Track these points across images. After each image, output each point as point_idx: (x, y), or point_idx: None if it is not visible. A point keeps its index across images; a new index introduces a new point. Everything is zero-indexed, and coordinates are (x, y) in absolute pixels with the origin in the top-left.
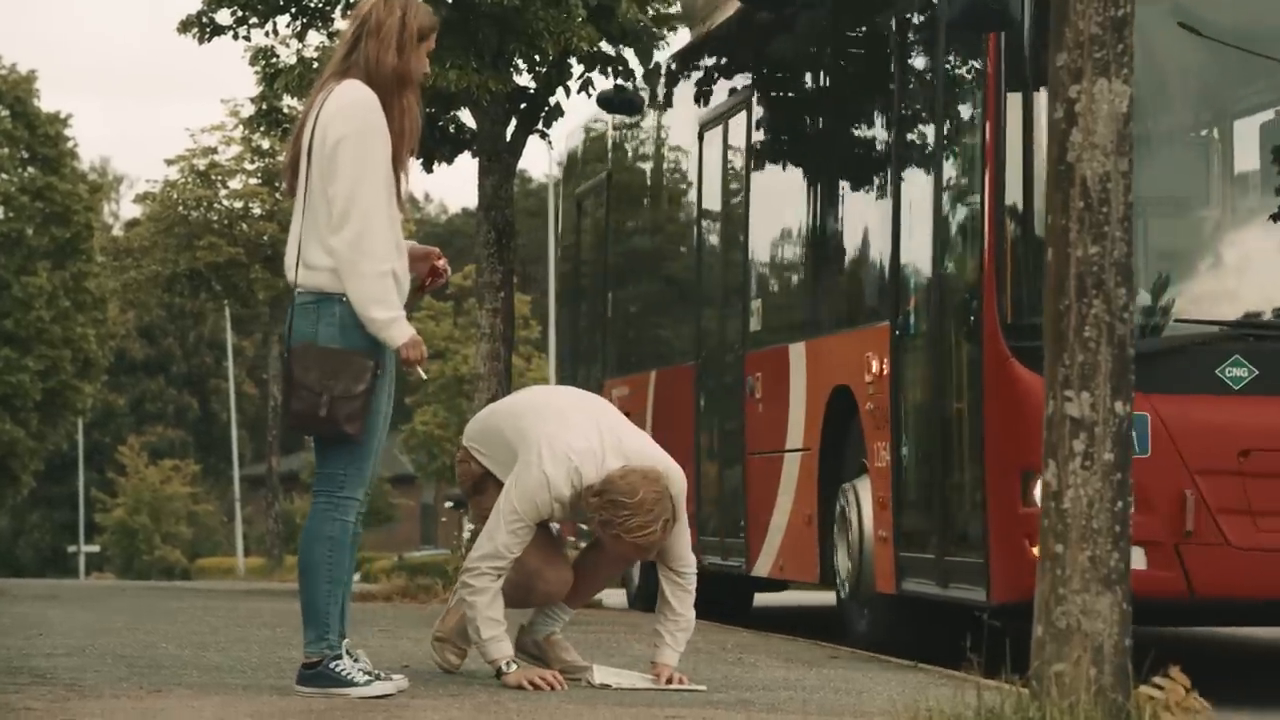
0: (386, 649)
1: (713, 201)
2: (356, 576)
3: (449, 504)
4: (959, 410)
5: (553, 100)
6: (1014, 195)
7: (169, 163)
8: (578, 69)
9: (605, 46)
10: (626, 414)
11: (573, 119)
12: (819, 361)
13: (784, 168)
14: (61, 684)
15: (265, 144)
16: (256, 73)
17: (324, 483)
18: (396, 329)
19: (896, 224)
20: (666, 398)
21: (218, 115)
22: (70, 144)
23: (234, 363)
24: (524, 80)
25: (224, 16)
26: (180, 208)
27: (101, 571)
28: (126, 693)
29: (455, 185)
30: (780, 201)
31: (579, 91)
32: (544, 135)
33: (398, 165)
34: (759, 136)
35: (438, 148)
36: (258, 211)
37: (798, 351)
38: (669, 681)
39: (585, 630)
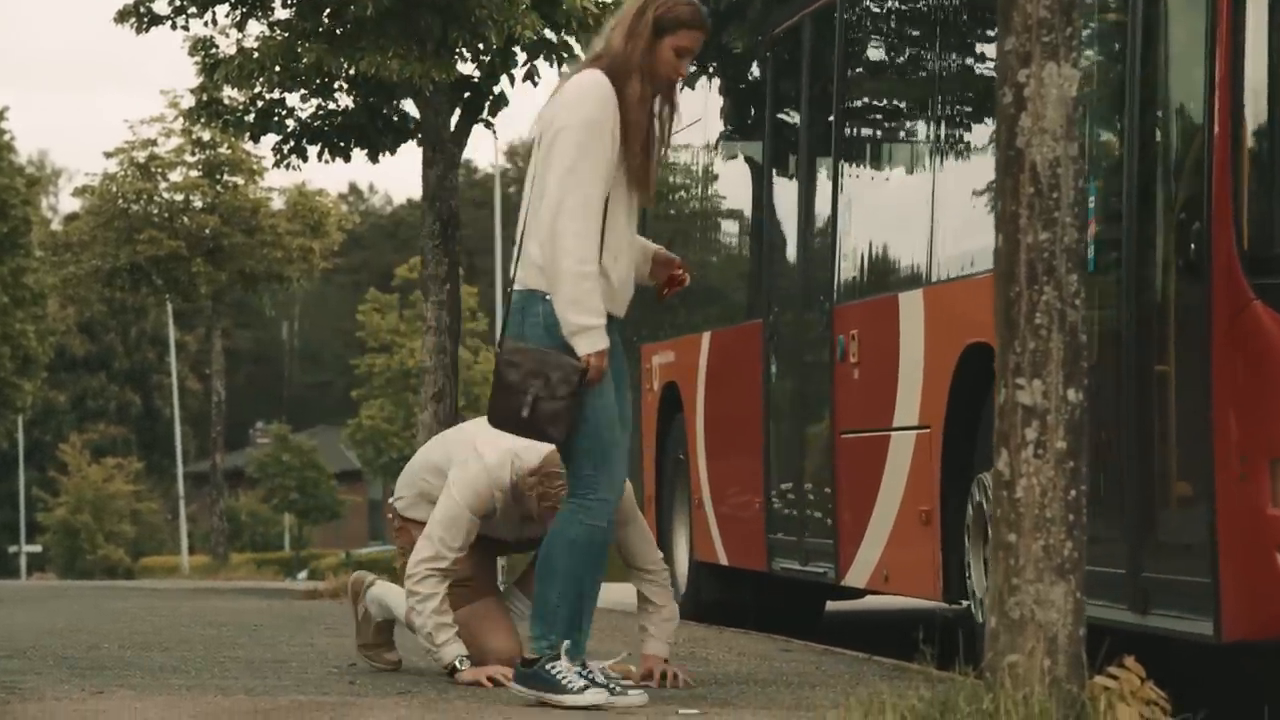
0: (333, 647)
1: (787, 118)
2: (303, 575)
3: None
4: (1167, 373)
5: (497, 89)
6: (1257, 71)
7: (108, 155)
8: (522, 57)
9: (550, 34)
10: (670, 383)
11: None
12: (944, 313)
13: (887, 69)
14: (1, 686)
15: (206, 136)
16: (196, 63)
17: (576, 486)
18: (586, 339)
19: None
20: (725, 365)
21: (157, 107)
22: (6, 137)
23: (177, 358)
24: (468, 69)
25: (162, 6)
26: (120, 201)
27: (43, 572)
28: (68, 695)
29: (400, 176)
30: (882, 110)
31: (524, 80)
32: (489, 125)
33: (629, 160)
34: (852, 35)
35: (381, 137)
36: (199, 204)
37: (912, 301)
38: (662, 676)
39: None
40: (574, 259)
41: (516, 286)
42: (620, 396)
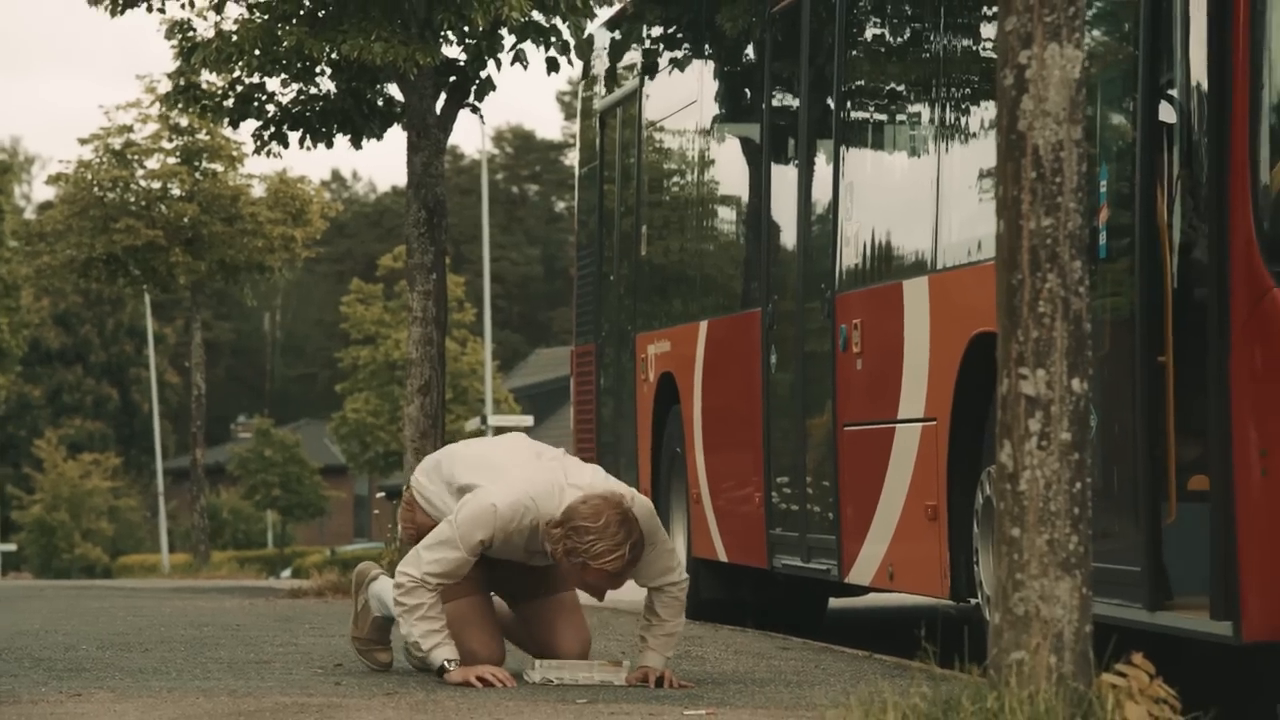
0: (318, 647)
1: (786, 101)
2: (286, 573)
3: (381, 495)
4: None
5: (484, 73)
6: (1278, 47)
7: (83, 142)
8: (509, 40)
9: (538, 16)
10: (666, 374)
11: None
12: (950, 302)
13: (888, 49)
14: None
15: (184, 121)
16: (173, 47)
17: None
18: None
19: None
20: (723, 355)
21: (133, 92)
22: None
23: (155, 351)
24: (453, 52)
25: None
26: (95, 189)
27: (19, 571)
28: (45, 697)
29: (384, 162)
30: (884, 92)
31: (511, 64)
32: (475, 109)
33: None
34: (853, 14)
35: (365, 123)
36: (177, 192)
37: (916, 290)
38: (659, 683)
39: None
40: None
41: None
42: None
